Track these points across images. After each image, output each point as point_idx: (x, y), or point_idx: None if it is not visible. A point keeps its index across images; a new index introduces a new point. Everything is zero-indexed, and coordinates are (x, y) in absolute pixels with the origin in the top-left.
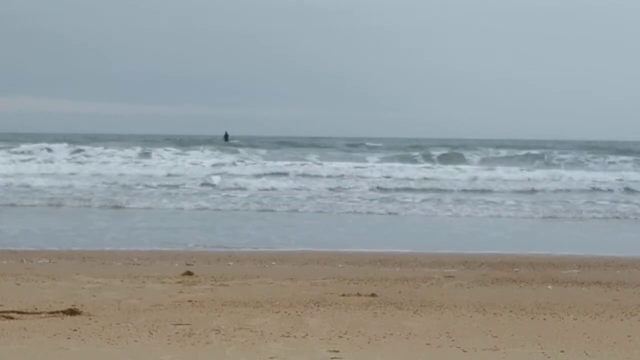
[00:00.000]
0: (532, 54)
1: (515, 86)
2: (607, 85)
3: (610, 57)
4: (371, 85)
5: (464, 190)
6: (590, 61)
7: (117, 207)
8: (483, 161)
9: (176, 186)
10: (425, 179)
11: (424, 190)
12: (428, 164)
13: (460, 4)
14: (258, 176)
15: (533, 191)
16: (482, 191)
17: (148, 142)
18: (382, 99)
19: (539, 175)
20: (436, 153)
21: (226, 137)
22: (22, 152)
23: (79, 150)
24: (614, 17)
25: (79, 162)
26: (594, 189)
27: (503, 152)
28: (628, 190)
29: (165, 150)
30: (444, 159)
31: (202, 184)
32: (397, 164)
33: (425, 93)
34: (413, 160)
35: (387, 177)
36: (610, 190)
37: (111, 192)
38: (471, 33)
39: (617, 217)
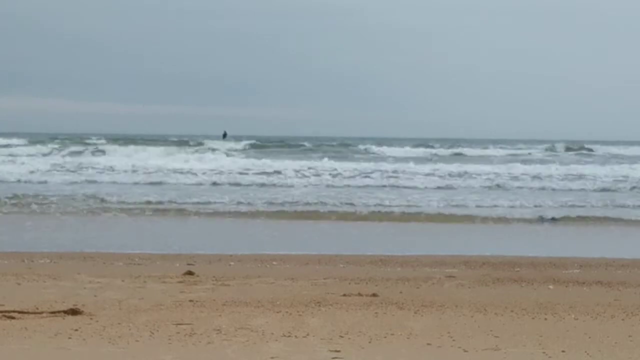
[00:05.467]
0: (556, 52)
1: (540, 85)
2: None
3: None
4: (375, 85)
5: None
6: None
7: None
8: None
9: None
10: None
11: None
12: None
13: (474, 3)
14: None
15: None
16: None
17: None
18: (387, 99)
19: None
20: None
21: (224, 136)
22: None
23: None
24: None
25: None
26: None
27: None
28: None
29: None
30: None
31: None
32: None
33: (434, 93)
34: None
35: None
36: None
37: None
38: (478, 33)
39: None
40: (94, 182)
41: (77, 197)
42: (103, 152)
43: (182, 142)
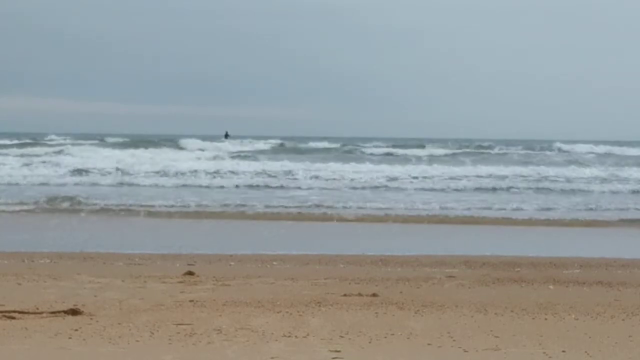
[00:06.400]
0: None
1: (540, 85)
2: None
3: None
4: (375, 85)
5: None
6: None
7: None
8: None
9: None
10: None
11: None
12: None
13: (474, 3)
14: None
15: None
16: None
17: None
18: (387, 99)
19: None
20: None
21: (226, 135)
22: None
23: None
24: None
25: None
26: None
27: None
28: None
29: None
30: None
31: None
32: None
33: (434, 92)
34: None
35: None
36: None
37: None
38: (478, 33)
39: None
40: (98, 184)
41: (83, 198)
42: (109, 152)
43: (184, 143)
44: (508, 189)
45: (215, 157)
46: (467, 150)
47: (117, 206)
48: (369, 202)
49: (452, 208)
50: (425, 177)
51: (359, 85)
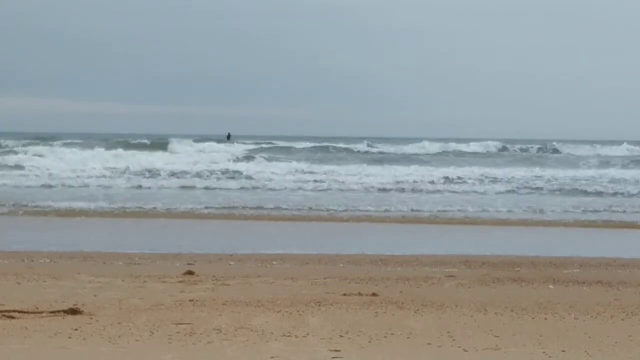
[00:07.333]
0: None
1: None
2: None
3: None
4: (375, 85)
5: None
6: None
7: None
8: None
9: None
10: None
11: None
12: None
13: (474, 3)
14: None
15: None
16: None
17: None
18: (387, 99)
19: None
20: None
21: (229, 137)
22: None
23: None
24: None
25: None
26: None
27: None
28: None
29: None
30: None
31: None
32: None
33: (434, 92)
34: None
35: None
36: None
37: None
38: (478, 33)
39: None
40: (142, 187)
41: (91, 198)
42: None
43: (185, 144)
44: (509, 191)
45: (217, 159)
46: (468, 150)
47: (114, 208)
48: (369, 202)
49: (452, 209)
50: (424, 178)
51: (359, 85)
